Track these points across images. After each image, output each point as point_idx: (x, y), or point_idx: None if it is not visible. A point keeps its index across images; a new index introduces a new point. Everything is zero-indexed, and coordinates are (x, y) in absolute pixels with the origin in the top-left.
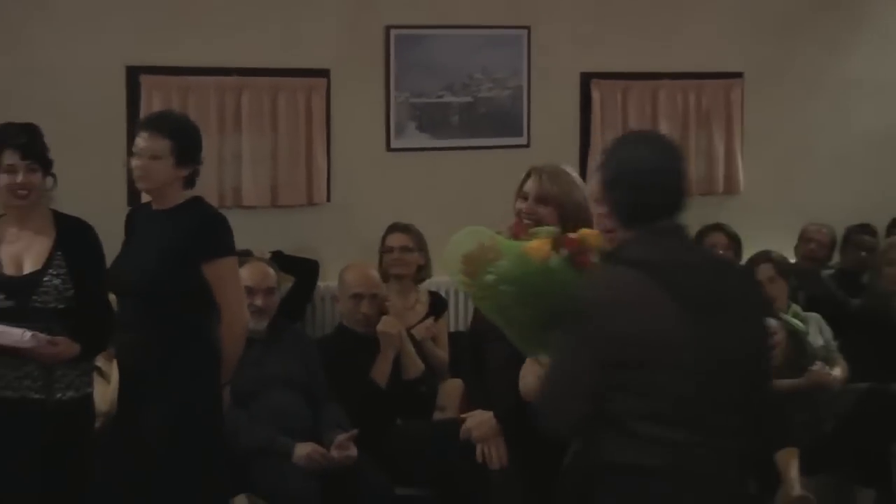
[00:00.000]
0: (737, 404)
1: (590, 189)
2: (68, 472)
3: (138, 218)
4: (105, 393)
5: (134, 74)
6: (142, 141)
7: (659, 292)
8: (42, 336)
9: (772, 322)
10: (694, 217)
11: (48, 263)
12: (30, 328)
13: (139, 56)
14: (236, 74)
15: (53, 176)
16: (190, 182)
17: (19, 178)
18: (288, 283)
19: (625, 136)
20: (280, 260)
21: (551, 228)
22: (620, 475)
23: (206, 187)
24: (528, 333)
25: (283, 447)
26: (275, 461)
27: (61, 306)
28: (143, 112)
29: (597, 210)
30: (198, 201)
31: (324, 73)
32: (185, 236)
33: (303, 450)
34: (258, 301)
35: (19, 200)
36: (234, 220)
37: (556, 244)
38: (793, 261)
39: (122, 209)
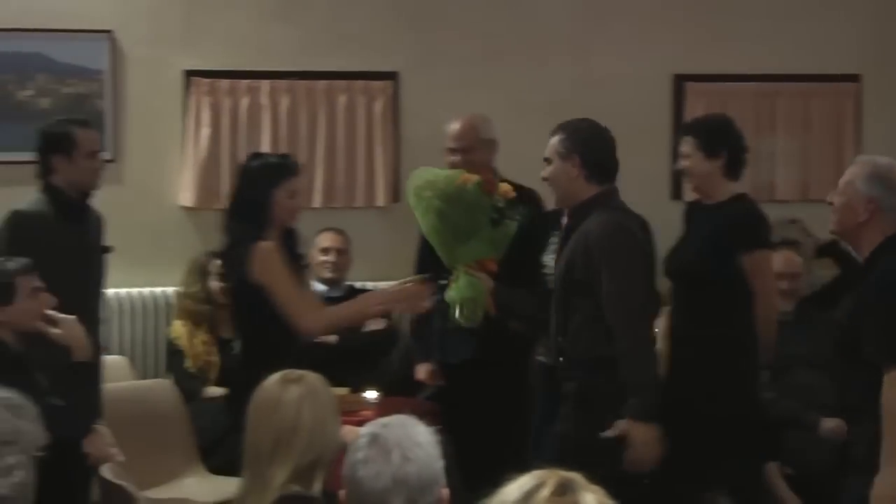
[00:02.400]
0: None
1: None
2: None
3: (694, 212)
4: None
5: (680, 82)
6: (681, 145)
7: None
8: None
9: None
10: None
11: None
12: None
13: (685, 65)
14: (771, 80)
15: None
16: (733, 174)
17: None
18: (823, 269)
19: (588, 120)
20: (829, 249)
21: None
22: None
23: (742, 182)
24: (448, 248)
25: (810, 421)
26: (801, 433)
27: None
28: (686, 116)
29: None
30: (741, 198)
31: (855, 78)
32: (726, 229)
33: (829, 423)
34: (783, 285)
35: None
36: (768, 212)
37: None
38: None
39: (666, 203)
